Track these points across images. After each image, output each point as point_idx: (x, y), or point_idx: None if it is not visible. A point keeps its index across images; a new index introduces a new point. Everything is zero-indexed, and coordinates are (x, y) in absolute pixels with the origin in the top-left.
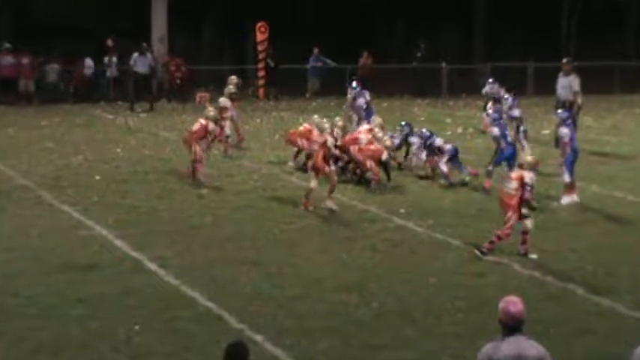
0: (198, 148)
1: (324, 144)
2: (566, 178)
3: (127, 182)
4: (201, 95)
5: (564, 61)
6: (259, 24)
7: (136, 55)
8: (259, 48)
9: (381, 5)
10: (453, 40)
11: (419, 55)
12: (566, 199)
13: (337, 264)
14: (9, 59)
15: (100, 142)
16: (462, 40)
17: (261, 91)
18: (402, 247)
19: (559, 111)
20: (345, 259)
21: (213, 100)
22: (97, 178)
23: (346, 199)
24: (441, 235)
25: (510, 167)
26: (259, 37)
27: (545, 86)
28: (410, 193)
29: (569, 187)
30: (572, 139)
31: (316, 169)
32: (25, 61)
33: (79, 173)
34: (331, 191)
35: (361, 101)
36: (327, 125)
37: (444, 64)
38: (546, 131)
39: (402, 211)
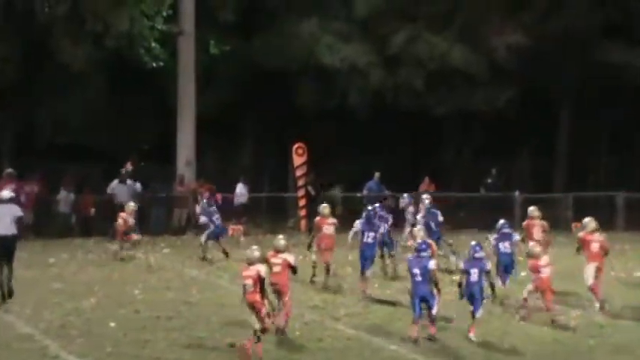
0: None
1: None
2: None
3: (147, 330)
4: (234, 228)
5: None
6: (296, 145)
7: None
8: (297, 173)
9: (445, 125)
10: (528, 164)
11: (489, 181)
12: None
13: None
14: (10, 187)
15: (115, 283)
16: (539, 164)
17: (302, 223)
18: None
19: None
20: None
21: (248, 234)
22: (112, 324)
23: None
24: None
25: None
26: (296, 160)
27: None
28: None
29: None
30: None
31: None
32: (27, 189)
33: (91, 319)
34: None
35: None
36: None
37: (517, 193)
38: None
39: None
